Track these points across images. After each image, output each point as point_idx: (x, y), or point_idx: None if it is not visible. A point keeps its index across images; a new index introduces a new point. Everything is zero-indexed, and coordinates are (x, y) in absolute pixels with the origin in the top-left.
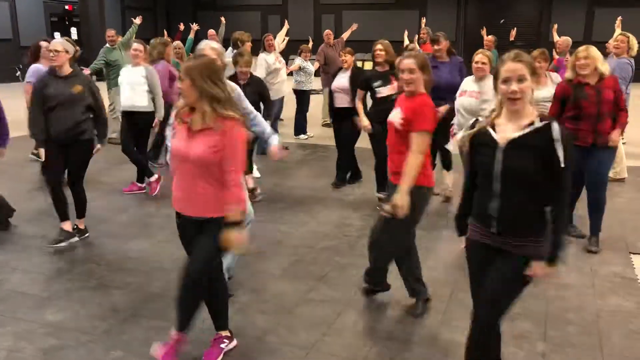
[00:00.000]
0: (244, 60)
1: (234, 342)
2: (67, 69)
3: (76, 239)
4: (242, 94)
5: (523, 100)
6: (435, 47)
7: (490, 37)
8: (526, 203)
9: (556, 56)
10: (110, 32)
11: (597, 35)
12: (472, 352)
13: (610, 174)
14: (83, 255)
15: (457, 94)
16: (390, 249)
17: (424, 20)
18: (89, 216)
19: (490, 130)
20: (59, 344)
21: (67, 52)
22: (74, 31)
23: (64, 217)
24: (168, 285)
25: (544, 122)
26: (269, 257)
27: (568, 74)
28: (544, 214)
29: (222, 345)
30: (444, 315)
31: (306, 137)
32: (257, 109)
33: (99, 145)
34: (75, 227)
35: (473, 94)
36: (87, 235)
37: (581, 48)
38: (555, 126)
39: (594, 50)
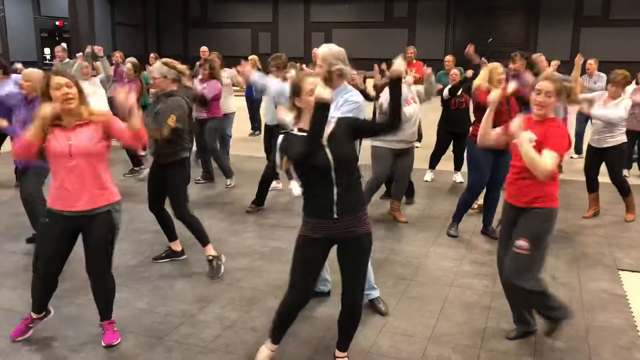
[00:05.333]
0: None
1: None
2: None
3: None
4: None
5: None
6: (511, 65)
7: (448, 57)
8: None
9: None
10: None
11: (583, 54)
12: None
13: None
14: (68, 273)
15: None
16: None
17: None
18: None
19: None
20: None
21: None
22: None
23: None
24: (156, 302)
25: None
26: (258, 274)
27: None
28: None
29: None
30: (433, 330)
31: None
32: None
33: None
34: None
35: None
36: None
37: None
38: None
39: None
